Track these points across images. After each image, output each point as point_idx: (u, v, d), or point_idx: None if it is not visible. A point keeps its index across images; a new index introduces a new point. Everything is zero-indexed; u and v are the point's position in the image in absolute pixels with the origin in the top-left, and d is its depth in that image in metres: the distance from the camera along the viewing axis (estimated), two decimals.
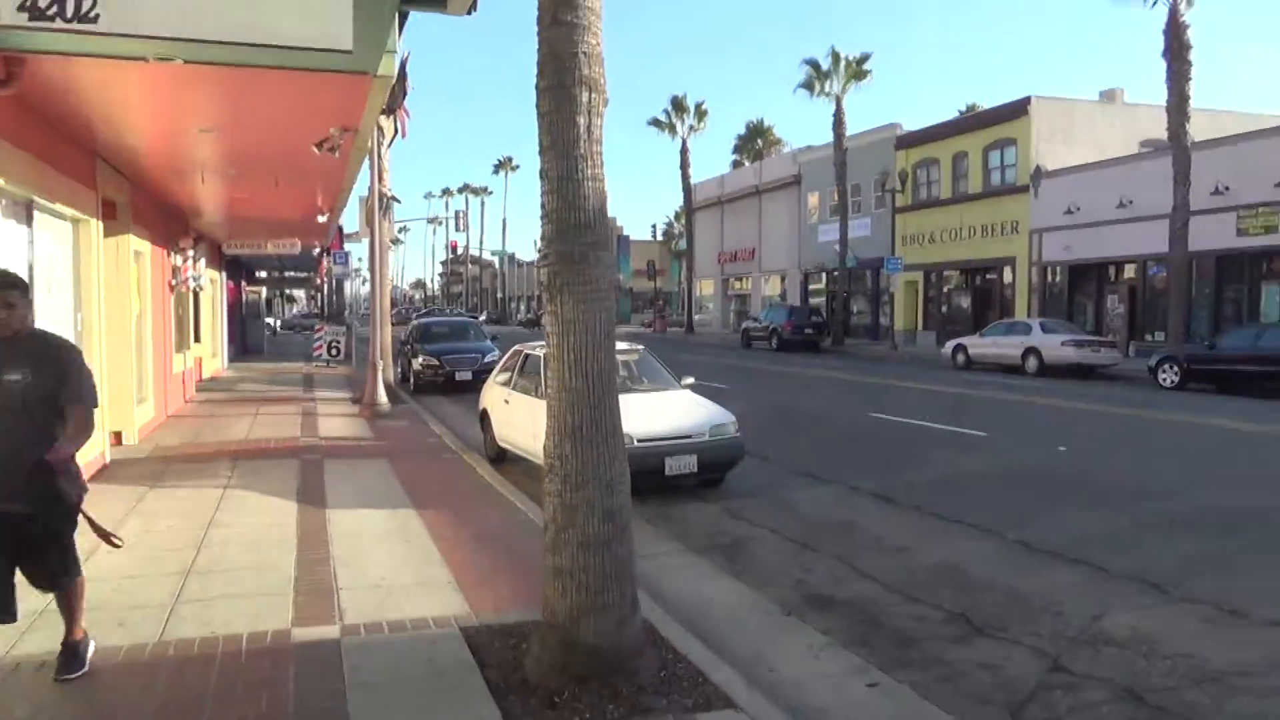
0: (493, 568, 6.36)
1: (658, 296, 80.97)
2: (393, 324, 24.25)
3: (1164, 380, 20.83)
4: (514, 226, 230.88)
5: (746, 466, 9.58)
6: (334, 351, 25.34)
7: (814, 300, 45.65)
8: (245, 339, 30.99)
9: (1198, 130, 25.65)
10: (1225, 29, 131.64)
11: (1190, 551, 7.10)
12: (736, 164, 66.27)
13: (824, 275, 45.14)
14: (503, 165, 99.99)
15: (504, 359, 11.59)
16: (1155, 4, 25.48)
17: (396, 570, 6.28)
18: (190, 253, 15.60)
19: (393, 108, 11.47)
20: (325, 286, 56.72)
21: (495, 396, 11.19)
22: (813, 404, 17.62)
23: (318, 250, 26.49)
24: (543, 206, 4.61)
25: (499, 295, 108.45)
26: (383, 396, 15.23)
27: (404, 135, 13.12)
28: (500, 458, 11.11)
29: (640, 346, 11.02)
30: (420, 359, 20.23)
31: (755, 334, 39.28)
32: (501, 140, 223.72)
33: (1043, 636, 5.36)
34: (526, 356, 10.80)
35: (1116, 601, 5.92)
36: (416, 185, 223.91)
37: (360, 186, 16.04)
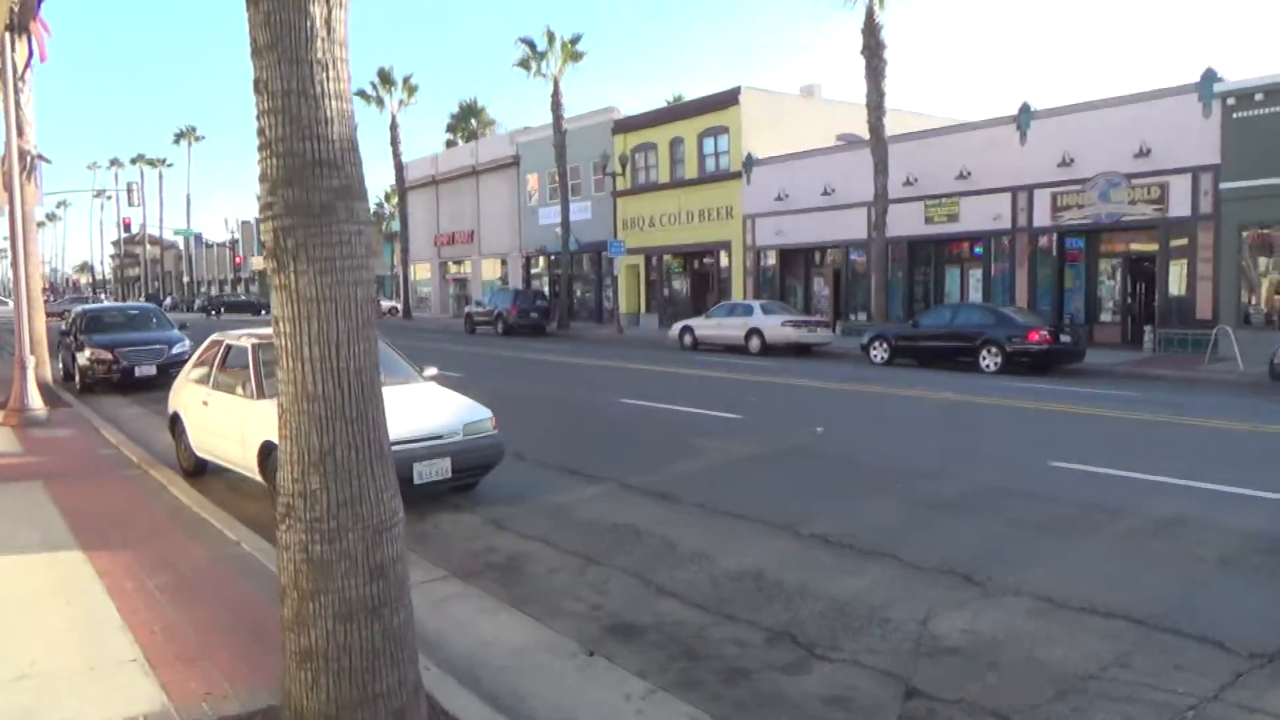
0: (200, 631, 4.76)
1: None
2: (49, 313, 20.40)
3: (875, 357, 22.09)
4: (200, 203, 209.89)
5: (502, 465, 8.42)
6: None
7: (536, 284, 44.99)
8: None
9: (890, 126, 27.59)
10: (920, 33, 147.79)
11: (979, 535, 6.90)
12: (450, 143, 64.14)
13: (546, 258, 44.57)
14: (185, 135, 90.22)
15: (199, 351, 9.54)
16: (855, 5, 27.06)
17: (56, 647, 4.51)
18: None
19: (25, 21, 8.96)
20: None
21: (191, 397, 9.16)
22: (556, 391, 16.70)
23: None
24: (261, 134, 3.21)
25: (185, 279, 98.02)
26: (35, 400, 12.36)
27: (43, 58, 10.48)
28: (199, 470, 9.14)
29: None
30: (88, 352, 16.95)
31: (479, 318, 37.93)
32: (183, 107, 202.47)
33: (880, 653, 4.72)
34: (229, 348, 8.90)
35: (938, 600, 5.45)
36: (78, 153, 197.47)
37: None
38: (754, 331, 25.39)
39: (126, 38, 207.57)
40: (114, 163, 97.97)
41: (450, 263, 54.94)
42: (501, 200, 48.29)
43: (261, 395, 7.86)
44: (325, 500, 3.08)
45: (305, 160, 3.08)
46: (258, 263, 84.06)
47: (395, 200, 75.34)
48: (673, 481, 8.57)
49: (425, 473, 7.28)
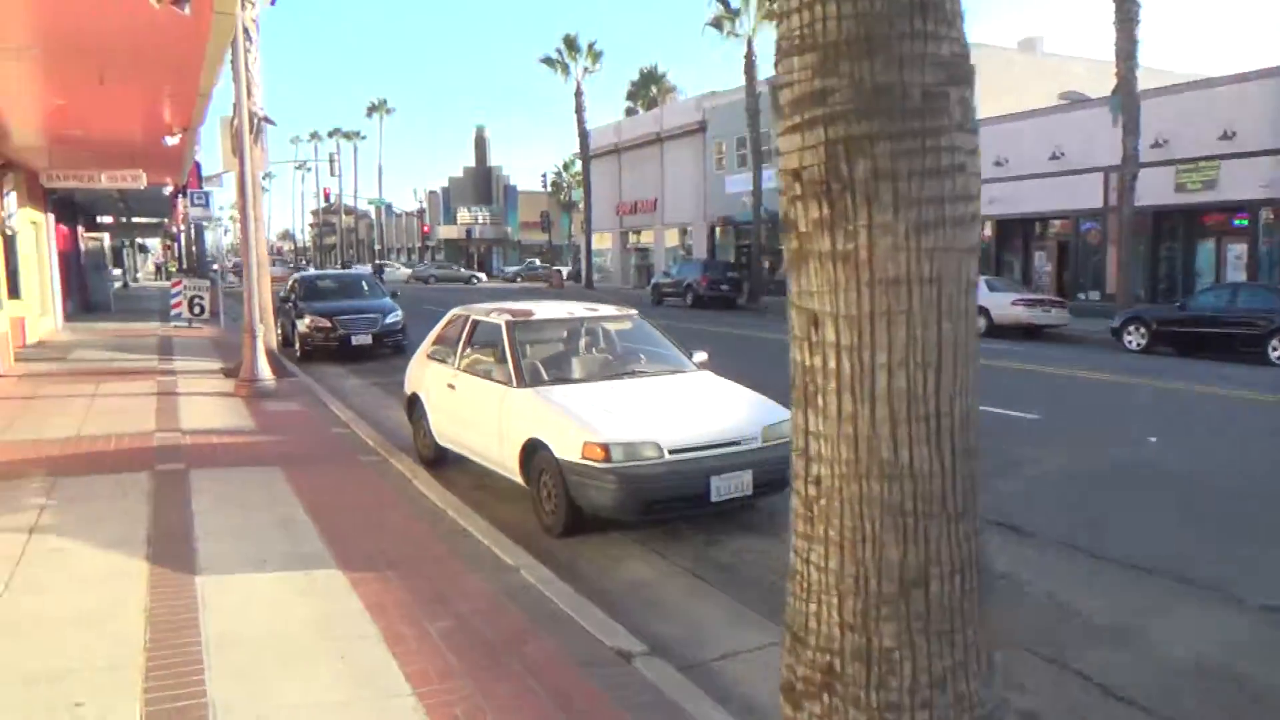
0: (508, 716, 3.58)
1: (548, 250, 77.47)
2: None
3: (1130, 342, 19.39)
4: (390, 173, 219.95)
5: None
6: (196, 309, 21.44)
7: (722, 255, 43.51)
8: (86, 294, 26.42)
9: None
10: None
11: None
12: (630, 111, 63.37)
13: (731, 228, 43.01)
14: (377, 108, 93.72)
15: (440, 326, 8.61)
16: None
17: None
18: None
19: None
20: (183, 235, 51.08)
21: (433, 378, 8.23)
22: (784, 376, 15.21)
23: (170, 190, 22.34)
24: None
25: (375, 247, 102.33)
26: (265, 370, 11.96)
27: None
28: (438, 459, 8.23)
29: (632, 311, 8.23)
30: (308, 320, 16.79)
31: (667, 289, 36.87)
32: (374, 82, 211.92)
33: None
34: (475, 325, 7.89)
35: None
36: (281, 127, 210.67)
37: (223, 105, 12.57)
38: (981, 310, 22.97)
39: (324, 16, 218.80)
40: (313, 136, 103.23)
41: (631, 232, 54.24)
42: (686, 168, 46.96)
43: (521, 383, 6.77)
44: (908, 669, 1.70)
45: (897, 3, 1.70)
46: (445, 231, 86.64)
47: (573, 170, 75.89)
48: (1010, 504, 6.89)
49: (724, 489, 5.96)
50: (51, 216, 19.99)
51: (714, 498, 5.92)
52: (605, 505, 5.88)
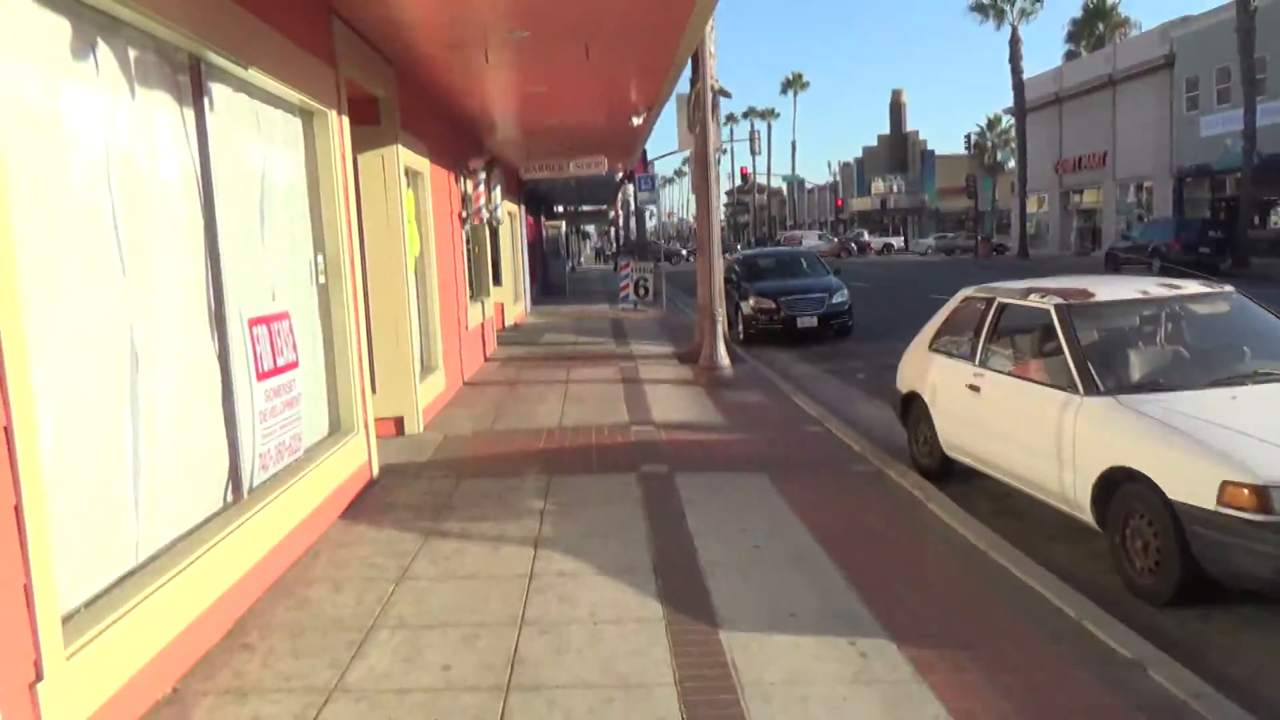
0: None
1: (971, 217, 72.24)
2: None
3: None
4: (803, 148, 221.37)
5: None
6: (642, 292, 22.14)
7: (1191, 212, 36.74)
8: (547, 279, 28.80)
9: None
10: None
11: None
12: (1070, 55, 56.29)
13: (1208, 179, 36.15)
14: (792, 83, 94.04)
15: (945, 313, 7.18)
16: None
17: None
18: (483, 176, 12.53)
19: None
20: (619, 219, 54.82)
21: (943, 375, 6.84)
22: None
23: (620, 176, 23.28)
24: None
25: (788, 223, 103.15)
26: (724, 357, 11.40)
27: None
28: (942, 472, 6.84)
29: (1227, 288, 6.13)
30: (751, 301, 16.27)
31: (1125, 255, 31.86)
32: (786, 58, 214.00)
33: None
34: (1001, 308, 6.35)
35: None
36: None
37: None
38: None
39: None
40: (729, 119, 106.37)
41: (1072, 192, 48.28)
42: (1144, 113, 40.40)
43: (1093, 389, 5.12)
44: None
45: None
46: (858, 204, 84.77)
47: (999, 129, 69.70)
48: None
49: None
50: (522, 207, 21.72)
51: None
52: (1263, 577, 4.09)
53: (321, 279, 6.30)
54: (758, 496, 6.38)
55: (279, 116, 5.77)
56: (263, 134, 5.45)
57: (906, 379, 7.47)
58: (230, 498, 4.65)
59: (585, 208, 39.17)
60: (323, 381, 6.32)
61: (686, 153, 15.40)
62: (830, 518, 5.83)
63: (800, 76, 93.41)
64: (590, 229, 75.49)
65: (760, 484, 6.67)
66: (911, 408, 7.35)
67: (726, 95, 13.04)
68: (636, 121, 11.69)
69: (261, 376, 5.05)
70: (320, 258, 6.29)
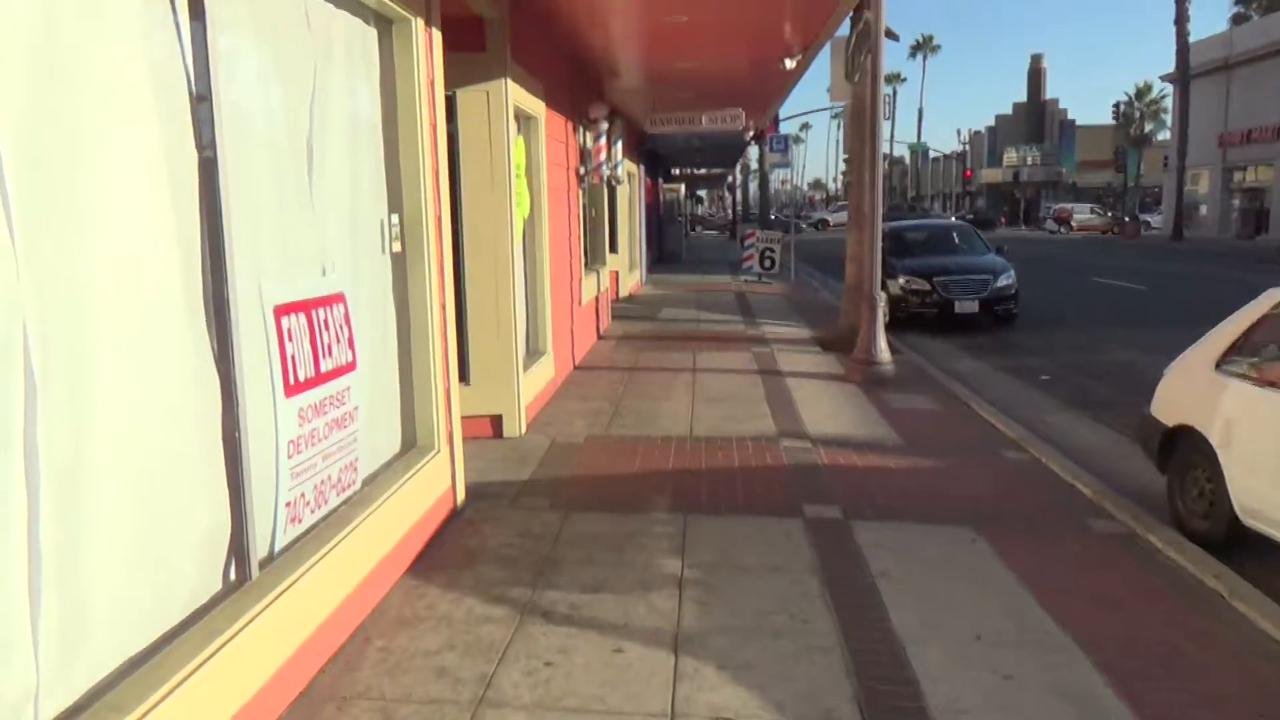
0: None
1: (1115, 192, 67.03)
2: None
3: None
4: (931, 115, 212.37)
5: None
6: (767, 263, 20.19)
7: None
8: (662, 245, 27.06)
9: None
10: None
11: None
12: (1240, 19, 50.89)
13: None
14: (921, 46, 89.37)
15: (1246, 319, 5.12)
16: None
17: None
18: (604, 127, 10.83)
19: None
20: (737, 184, 52.55)
21: (1245, 407, 4.82)
22: None
23: (750, 134, 21.26)
24: None
25: (910, 194, 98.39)
26: (884, 350, 9.47)
27: None
28: (1229, 541, 4.87)
29: None
30: (900, 281, 14.17)
31: None
32: (917, 19, 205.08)
33: None
34: None
35: None
36: (819, 74, 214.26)
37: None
38: None
39: None
40: None
41: (1235, 169, 43.60)
42: None
43: None
44: None
45: None
46: (988, 175, 79.94)
47: (1149, 97, 64.18)
48: None
49: None
50: (641, 167, 19.99)
51: None
52: None
53: (396, 246, 4.72)
54: (976, 569, 4.55)
55: (341, 20, 4.16)
56: (315, 42, 3.85)
57: (1174, 407, 5.46)
58: (232, 578, 3.11)
59: (699, 170, 37.19)
60: (393, 383, 4.77)
61: (804, 117, 13.34)
62: (1096, 617, 3.98)
63: (930, 39, 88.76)
64: (702, 194, 73.31)
65: (972, 546, 4.83)
66: (1180, 448, 5.36)
67: (894, 37, 11.00)
68: (789, 64, 9.78)
69: (294, 389, 3.49)
70: (395, 217, 4.71)
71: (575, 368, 9.88)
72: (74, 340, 2.36)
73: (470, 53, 6.37)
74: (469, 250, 6.73)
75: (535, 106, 7.87)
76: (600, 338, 12.19)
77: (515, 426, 7.00)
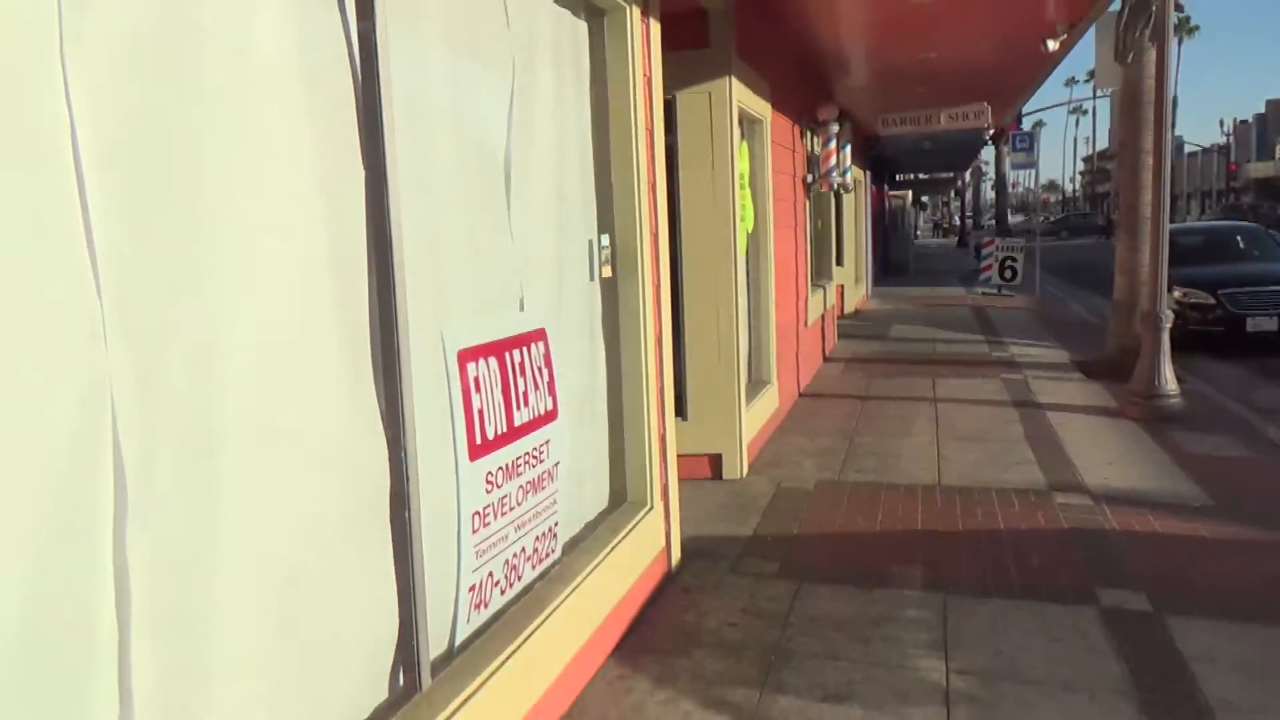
0: None
1: None
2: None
3: None
4: (1186, 104, 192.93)
5: None
6: (1008, 274, 18.39)
7: None
8: (887, 256, 25.55)
9: None
10: None
11: None
12: None
13: None
14: (1178, 28, 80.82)
15: None
16: None
17: None
18: (834, 130, 9.90)
19: None
20: (966, 188, 49.52)
21: None
22: None
23: (991, 133, 19.51)
24: None
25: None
26: (1170, 380, 7.97)
27: None
28: None
29: None
30: (1175, 293, 12.20)
31: None
32: None
33: None
34: None
35: None
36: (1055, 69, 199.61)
37: None
38: None
39: None
40: (1090, 75, 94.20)
41: None
42: None
43: None
44: None
45: None
46: (1256, 169, 71.26)
47: None
48: None
49: None
50: (868, 173, 18.78)
51: None
52: None
53: (606, 271, 4.10)
54: None
55: (547, 12, 3.58)
56: (514, 39, 3.28)
57: None
58: (400, 685, 2.54)
59: (929, 176, 35.09)
60: (601, 430, 4.14)
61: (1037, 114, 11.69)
62: None
63: (1188, 20, 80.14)
64: (925, 199, 69.77)
65: None
66: None
67: (1179, 8, 9.34)
68: (1052, 46, 8.46)
69: (481, 449, 2.90)
70: (605, 238, 4.08)
71: (800, 395, 9.01)
72: (190, 422, 1.83)
73: (690, 49, 5.70)
74: (687, 271, 6.07)
75: (760, 108, 7.11)
76: (826, 360, 11.24)
77: (736, 467, 6.26)
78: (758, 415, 6.94)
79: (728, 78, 5.90)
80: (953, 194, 51.98)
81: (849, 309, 15.59)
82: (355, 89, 2.35)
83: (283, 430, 2.07)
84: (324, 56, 2.26)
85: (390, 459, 2.46)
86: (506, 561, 3.09)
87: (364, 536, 2.37)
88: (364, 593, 2.38)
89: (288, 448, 2.09)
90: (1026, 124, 25.60)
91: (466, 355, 2.84)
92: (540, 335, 3.39)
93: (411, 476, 2.48)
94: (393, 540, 2.48)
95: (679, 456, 5.23)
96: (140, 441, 1.70)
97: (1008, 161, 20.01)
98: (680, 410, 6.12)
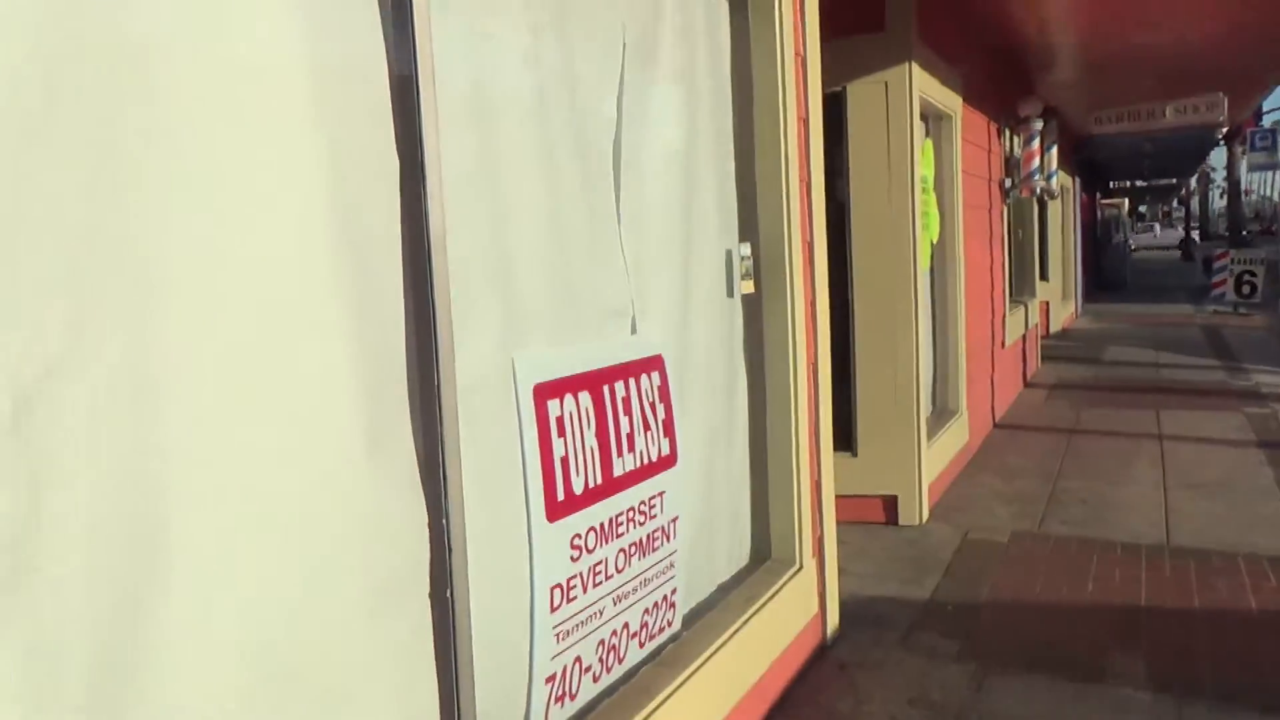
0: None
1: None
2: None
3: None
4: None
5: None
6: (1246, 290, 16.18)
7: None
8: (1100, 270, 23.28)
9: None
10: None
11: None
12: None
13: None
14: None
15: None
16: None
17: None
18: (1038, 128, 8.77)
19: None
20: (1190, 195, 45.00)
21: None
22: None
23: (1223, 132, 17.29)
24: None
25: None
26: None
27: None
28: None
29: None
30: None
31: None
32: None
33: None
34: None
35: None
36: None
37: None
38: None
39: None
40: None
41: None
42: None
43: None
44: None
45: None
46: None
47: None
48: None
49: None
50: (1076, 179, 17.07)
51: None
52: None
53: (748, 286, 3.46)
54: None
55: None
56: (622, 8, 2.73)
57: None
58: None
59: (1142, 182, 31.90)
60: (739, 476, 3.49)
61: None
62: None
63: None
64: (1142, 209, 64.00)
65: None
66: None
67: None
68: None
69: (565, 506, 2.35)
70: (747, 247, 3.45)
71: (995, 426, 7.96)
72: (129, 471, 1.37)
73: (862, 35, 4.99)
74: (858, 285, 5.32)
75: (950, 101, 6.24)
76: (1027, 385, 10.02)
77: (914, 512, 5.42)
78: (942, 450, 6.06)
79: (907, 64, 5.12)
80: (1175, 203, 47.31)
81: (1055, 328, 14.07)
82: (387, 66, 1.86)
83: (254, 489, 1.58)
84: (339, 27, 1.78)
85: (431, 524, 1.94)
86: (602, 642, 2.51)
87: (386, 627, 1.85)
88: (385, 702, 1.86)
89: (262, 510, 1.59)
90: (1267, 122, 22.72)
91: (546, 390, 2.29)
92: (656, 363, 2.80)
93: (455, 546, 1.94)
94: (434, 629, 1.95)
95: (845, 498, 4.54)
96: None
97: (1243, 163, 17.62)
98: (848, 445, 5.37)
